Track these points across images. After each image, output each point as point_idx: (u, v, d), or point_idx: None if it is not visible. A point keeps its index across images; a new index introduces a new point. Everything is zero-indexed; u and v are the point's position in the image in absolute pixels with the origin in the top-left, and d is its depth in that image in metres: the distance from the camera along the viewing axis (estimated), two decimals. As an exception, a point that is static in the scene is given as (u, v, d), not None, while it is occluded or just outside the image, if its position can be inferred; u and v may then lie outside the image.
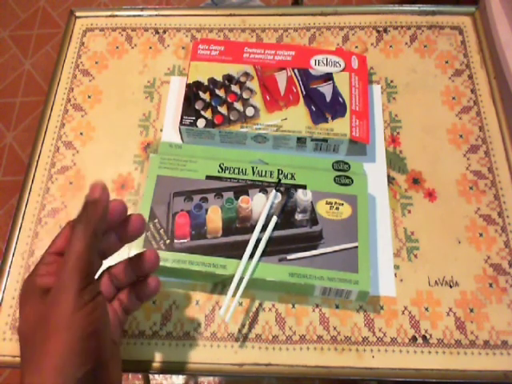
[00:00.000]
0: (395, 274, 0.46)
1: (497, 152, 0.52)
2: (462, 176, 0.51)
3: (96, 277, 0.35)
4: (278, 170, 0.49)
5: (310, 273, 0.43)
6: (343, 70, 0.53)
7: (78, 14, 0.64)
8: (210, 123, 0.51)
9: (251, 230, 0.45)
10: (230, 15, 0.62)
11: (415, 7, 0.61)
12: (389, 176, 0.51)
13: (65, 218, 0.51)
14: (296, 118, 0.51)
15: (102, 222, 0.33)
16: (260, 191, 0.47)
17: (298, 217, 0.46)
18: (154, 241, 0.45)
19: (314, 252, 0.44)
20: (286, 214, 0.46)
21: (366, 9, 0.62)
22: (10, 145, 1.40)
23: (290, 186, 0.47)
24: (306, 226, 0.46)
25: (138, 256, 0.38)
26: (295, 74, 0.53)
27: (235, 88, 0.53)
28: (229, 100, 0.52)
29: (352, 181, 0.47)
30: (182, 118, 0.52)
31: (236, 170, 0.49)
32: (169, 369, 0.44)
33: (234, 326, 0.45)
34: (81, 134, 0.56)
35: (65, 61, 0.60)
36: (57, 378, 0.28)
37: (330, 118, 0.51)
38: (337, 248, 0.44)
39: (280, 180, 0.48)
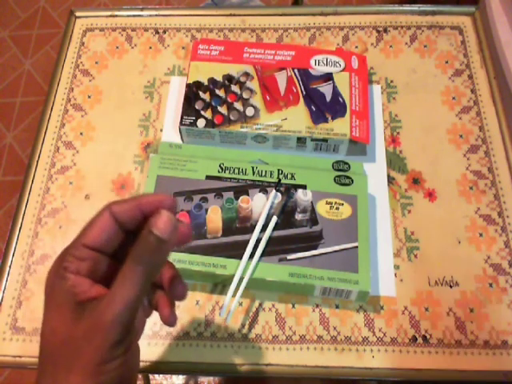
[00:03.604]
0: (395, 274, 0.46)
1: (497, 152, 0.52)
2: (462, 176, 0.51)
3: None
4: (278, 170, 0.49)
5: (310, 273, 0.43)
6: (343, 70, 0.53)
7: (78, 13, 0.64)
8: (209, 123, 0.51)
9: (251, 230, 0.45)
10: (230, 15, 0.62)
11: (415, 7, 0.61)
12: (389, 176, 0.51)
13: (65, 217, 0.51)
14: (296, 118, 0.51)
15: (159, 270, 0.28)
16: (260, 191, 0.47)
17: (298, 217, 0.46)
18: (154, 241, 0.45)
19: (314, 252, 0.44)
20: (286, 214, 0.46)
21: (366, 9, 0.62)
22: (10, 145, 1.40)
23: (290, 185, 0.47)
24: (306, 226, 0.46)
25: (151, 203, 0.28)
26: (295, 73, 0.53)
27: (235, 88, 0.53)
28: (229, 100, 0.52)
29: (352, 181, 0.47)
30: (181, 117, 0.52)
31: (236, 170, 0.49)
32: (169, 369, 0.44)
33: (233, 326, 0.45)
34: (81, 134, 0.56)
35: (65, 61, 0.60)
36: None
37: (329, 118, 0.51)
38: (337, 248, 0.44)
39: (280, 180, 0.48)
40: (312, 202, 0.47)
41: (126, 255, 0.27)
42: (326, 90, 0.52)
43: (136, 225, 0.28)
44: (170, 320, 0.30)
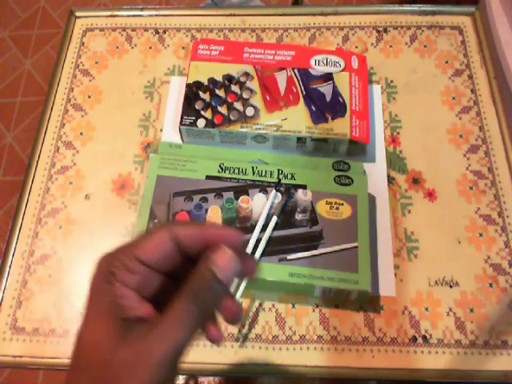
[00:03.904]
0: (395, 274, 0.46)
1: (497, 152, 0.52)
2: (462, 176, 0.51)
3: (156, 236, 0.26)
4: (278, 170, 0.49)
5: (310, 273, 0.43)
6: (343, 70, 0.53)
7: (78, 14, 0.64)
8: (210, 123, 0.51)
9: (251, 229, 0.45)
10: (230, 15, 0.62)
11: (415, 7, 0.61)
12: (389, 176, 0.51)
13: (65, 217, 0.51)
14: (296, 118, 0.51)
15: (214, 309, 0.26)
16: (260, 191, 0.47)
17: (298, 217, 0.46)
18: (154, 241, 0.45)
19: (314, 252, 0.44)
20: (286, 213, 0.46)
21: (366, 9, 0.62)
22: (10, 145, 1.40)
23: (290, 186, 0.47)
24: (306, 226, 0.46)
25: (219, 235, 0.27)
26: (295, 73, 0.53)
27: (235, 88, 0.53)
28: (229, 100, 0.52)
29: (352, 181, 0.47)
30: (181, 117, 0.52)
31: (236, 170, 0.49)
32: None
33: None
34: (81, 134, 0.56)
35: (65, 61, 0.60)
36: None
37: (330, 118, 0.51)
38: (337, 248, 0.44)
39: (280, 180, 0.48)
40: (312, 202, 0.47)
41: (179, 277, 0.25)
42: (325, 89, 0.52)
43: (196, 252, 0.26)
44: (217, 338, 0.28)
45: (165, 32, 0.62)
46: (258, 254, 0.44)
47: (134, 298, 0.25)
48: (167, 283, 0.26)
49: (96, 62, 0.60)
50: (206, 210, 0.46)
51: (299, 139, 0.51)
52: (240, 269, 0.25)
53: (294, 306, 0.45)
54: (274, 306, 0.46)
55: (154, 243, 0.26)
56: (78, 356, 0.24)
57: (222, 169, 0.49)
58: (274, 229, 0.45)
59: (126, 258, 0.25)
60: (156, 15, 0.63)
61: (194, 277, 0.25)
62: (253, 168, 0.49)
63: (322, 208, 0.46)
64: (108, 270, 0.25)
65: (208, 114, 0.52)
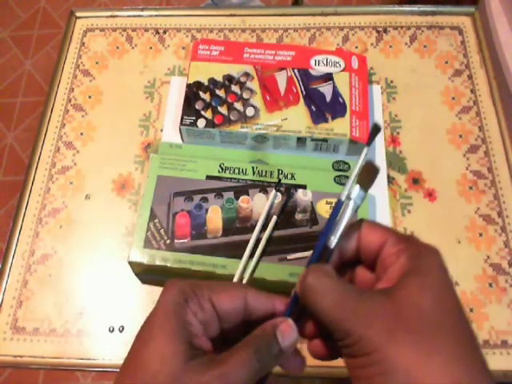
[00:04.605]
0: (395, 274, 0.46)
1: (496, 152, 0.52)
2: (461, 176, 0.51)
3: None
4: (278, 170, 0.49)
5: (309, 272, 0.43)
6: (343, 70, 0.53)
7: (78, 14, 0.64)
8: (210, 123, 0.51)
9: (251, 229, 0.45)
10: (231, 15, 0.62)
11: (415, 7, 0.61)
12: (389, 176, 0.52)
13: (65, 217, 0.51)
14: (296, 118, 0.51)
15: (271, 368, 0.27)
16: (260, 191, 0.47)
17: (298, 217, 0.46)
18: (155, 241, 0.45)
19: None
20: (286, 213, 0.46)
21: (365, 9, 0.62)
22: (11, 145, 1.40)
23: (290, 186, 0.47)
24: (306, 225, 0.46)
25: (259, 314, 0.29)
26: (295, 74, 0.53)
27: (235, 88, 0.53)
28: (229, 100, 0.52)
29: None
30: (182, 118, 0.52)
31: (236, 170, 0.49)
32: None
33: (234, 325, 0.45)
34: (81, 134, 0.56)
35: (65, 61, 0.60)
36: None
37: (329, 118, 0.51)
38: (337, 248, 0.44)
39: (280, 180, 0.48)
40: (312, 202, 0.47)
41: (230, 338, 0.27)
42: (326, 90, 0.52)
43: (257, 319, 0.29)
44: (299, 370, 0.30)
45: (165, 32, 0.62)
46: (257, 254, 0.44)
47: (200, 329, 0.27)
48: (223, 335, 0.28)
49: (96, 63, 0.60)
50: (206, 210, 0.47)
51: (299, 139, 0.51)
52: (298, 340, 0.27)
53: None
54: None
55: (229, 294, 0.28)
56: (139, 361, 0.25)
57: (222, 169, 0.49)
58: (274, 229, 0.45)
59: (200, 294, 0.27)
60: (156, 15, 0.63)
61: (257, 331, 0.27)
62: (253, 168, 0.49)
63: (322, 208, 0.46)
64: (183, 295, 0.27)
65: (208, 114, 0.52)
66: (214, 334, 0.28)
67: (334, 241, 0.29)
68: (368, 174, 0.32)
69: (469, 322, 0.26)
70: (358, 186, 0.31)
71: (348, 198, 0.30)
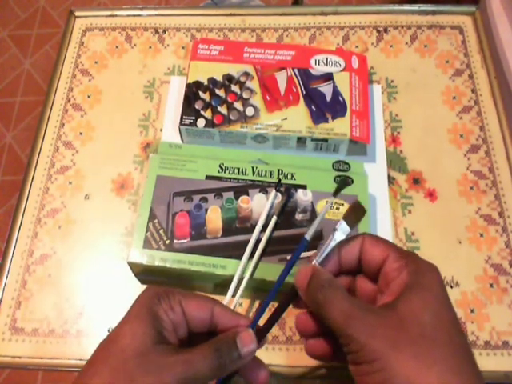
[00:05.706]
0: (395, 275, 0.46)
1: (497, 152, 0.52)
2: (462, 176, 0.51)
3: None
4: (278, 170, 0.48)
5: (310, 273, 0.43)
6: (343, 70, 0.53)
7: (77, 13, 0.64)
8: (209, 123, 0.51)
9: (251, 230, 0.45)
10: (230, 15, 0.62)
11: (415, 7, 0.61)
12: (389, 176, 0.51)
13: (64, 218, 0.51)
14: (296, 118, 0.51)
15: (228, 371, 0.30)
16: (260, 191, 0.47)
17: (298, 217, 0.46)
18: (154, 241, 0.45)
19: (314, 252, 0.44)
20: (286, 214, 0.46)
21: (366, 8, 0.62)
22: (10, 144, 1.40)
23: (290, 186, 0.47)
24: (306, 226, 0.45)
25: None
26: (295, 73, 0.53)
27: (235, 88, 0.53)
28: (229, 100, 0.52)
29: (352, 181, 0.47)
30: (181, 117, 0.52)
31: (236, 170, 0.48)
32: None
33: (233, 326, 0.45)
34: (80, 133, 0.55)
35: (64, 60, 0.60)
36: None
37: (330, 118, 0.51)
38: (337, 248, 0.44)
39: (280, 180, 0.48)
40: (312, 202, 0.46)
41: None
42: (326, 89, 0.52)
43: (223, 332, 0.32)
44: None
45: (164, 32, 0.62)
46: (257, 254, 0.44)
47: (170, 325, 0.30)
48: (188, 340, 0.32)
49: (95, 62, 0.60)
50: (206, 210, 0.46)
51: (299, 139, 0.51)
52: (256, 349, 0.31)
53: (294, 307, 0.45)
54: (274, 306, 0.45)
55: (198, 302, 0.31)
56: (112, 337, 0.29)
57: (221, 169, 0.49)
58: (274, 229, 0.45)
59: (172, 297, 0.31)
60: (156, 15, 0.63)
61: (221, 335, 0.31)
62: (253, 168, 0.49)
63: (322, 208, 0.46)
64: (157, 295, 0.30)
65: (208, 113, 0.52)
66: (182, 335, 0.31)
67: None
68: (355, 214, 0.35)
69: (465, 336, 0.30)
70: (343, 222, 0.34)
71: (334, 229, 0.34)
